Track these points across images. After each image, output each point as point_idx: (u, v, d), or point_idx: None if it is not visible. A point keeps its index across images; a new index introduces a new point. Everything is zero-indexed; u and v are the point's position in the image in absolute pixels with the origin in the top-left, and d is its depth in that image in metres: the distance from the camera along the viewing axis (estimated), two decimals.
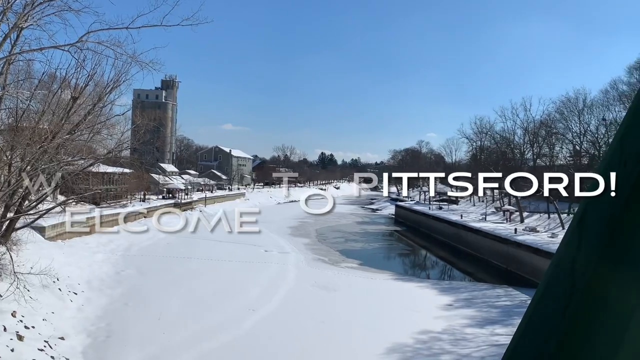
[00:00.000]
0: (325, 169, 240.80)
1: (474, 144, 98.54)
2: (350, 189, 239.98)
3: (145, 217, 66.88)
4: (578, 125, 67.03)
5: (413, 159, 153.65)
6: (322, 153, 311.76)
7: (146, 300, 30.62)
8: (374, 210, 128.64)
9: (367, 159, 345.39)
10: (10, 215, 26.70)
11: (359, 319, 28.66)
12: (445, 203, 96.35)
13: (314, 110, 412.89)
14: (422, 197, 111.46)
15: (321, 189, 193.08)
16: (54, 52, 31.07)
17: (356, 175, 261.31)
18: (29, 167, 24.37)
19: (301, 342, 24.51)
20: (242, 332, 25.50)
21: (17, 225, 28.48)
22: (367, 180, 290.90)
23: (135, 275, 37.22)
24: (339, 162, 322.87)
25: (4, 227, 26.22)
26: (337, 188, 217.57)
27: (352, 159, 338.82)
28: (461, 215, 70.99)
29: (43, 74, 28.58)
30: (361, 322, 27.93)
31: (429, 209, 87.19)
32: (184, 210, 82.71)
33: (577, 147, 67.60)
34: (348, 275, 42.04)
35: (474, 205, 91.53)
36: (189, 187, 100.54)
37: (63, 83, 29.24)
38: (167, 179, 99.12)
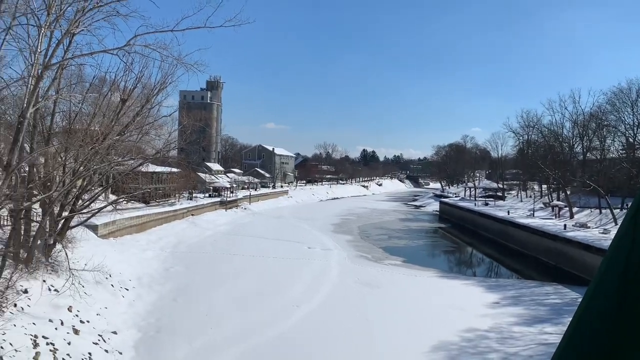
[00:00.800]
0: (367, 166, 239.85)
1: (521, 138, 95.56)
2: (393, 185, 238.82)
3: (192, 215, 68.55)
4: (631, 116, 63.84)
5: (457, 154, 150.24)
6: (363, 150, 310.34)
7: (193, 296, 31.34)
8: (417, 207, 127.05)
9: (409, 155, 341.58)
10: (65, 214, 27.90)
11: (402, 316, 28.38)
12: (492, 199, 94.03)
13: (355, 107, 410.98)
14: (467, 193, 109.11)
15: (363, 186, 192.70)
16: (104, 56, 32.26)
17: (399, 172, 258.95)
18: (82, 168, 25.38)
19: (345, 338, 24.48)
20: (286, 328, 25.71)
21: (72, 223, 29.72)
22: (411, 177, 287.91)
23: (183, 272, 38.16)
24: (381, 158, 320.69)
25: (60, 225, 27.41)
26: (380, 185, 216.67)
27: (395, 155, 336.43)
28: (508, 212, 69.13)
29: (94, 77, 29.78)
30: (405, 320, 27.65)
31: (475, 205, 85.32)
32: (230, 208, 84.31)
33: (630, 140, 64.41)
34: (391, 273, 41.73)
35: (522, 201, 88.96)
36: (234, 185, 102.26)
37: (112, 86, 30.30)
38: (213, 177, 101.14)
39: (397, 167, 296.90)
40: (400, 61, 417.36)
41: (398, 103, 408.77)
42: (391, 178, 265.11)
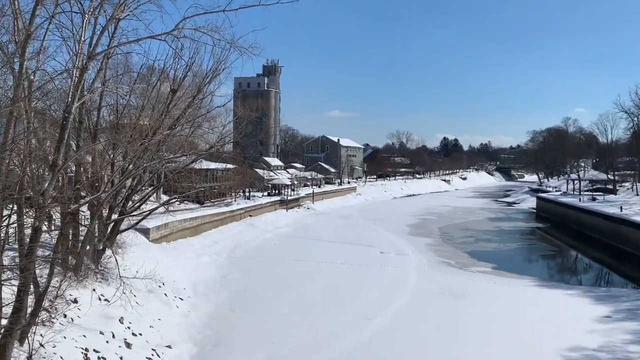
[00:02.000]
0: (449, 157, 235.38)
1: (635, 119, 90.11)
2: (480, 179, 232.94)
3: (250, 216, 70.02)
4: None
5: (557, 141, 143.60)
6: (444, 138, 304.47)
7: (253, 306, 32.00)
8: (509, 203, 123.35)
9: (499, 143, 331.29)
10: (114, 216, 29.23)
11: (493, 331, 27.56)
12: (600, 193, 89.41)
13: (434, 89, 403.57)
14: (570, 186, 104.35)
15: (444, 180, 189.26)
16: (151, 43, 33.51)
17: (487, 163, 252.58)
18: (131, 166, 26.48)
19: (426, 357, 24.07)
20: (357, 343, 25.63)
21: (122, 227, 31.08)
22: (501, 169, 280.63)
23: (241, 279, 39.05)
24: (465, 147, 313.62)
25: (109, 229, 28.74)
26: (464, 179, 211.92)
27: (481, 144, 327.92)
28: (621, 207, 65.39)
29: (141, 66, 30.92)
30: (497, 335, 26.82)
31: (580, 200, 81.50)
32: (291, 207, 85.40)
33: None
34: (479, 281, 40.79)
35: (638, 194, 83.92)
36: (295, 182, 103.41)
37: (161, 75, 31.38)
38: (271, 173, 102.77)
39: (484, 157, 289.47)
40: (488, 32, 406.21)
41: (485, 82, 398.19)
42: (477, 170, 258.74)
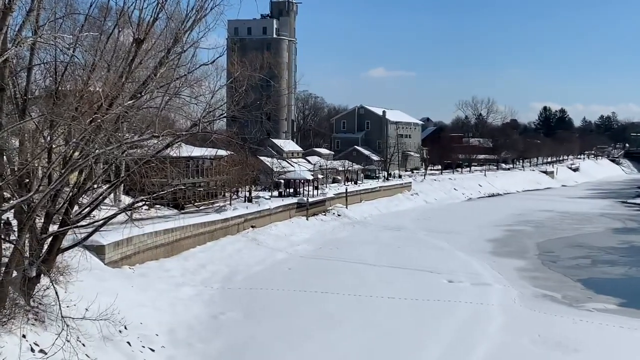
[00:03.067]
0: (552, 137, 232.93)
1: None
2: (599, 169, 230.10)
3: (253, 226, 70.26)
4: None
5: None
6: (544, 109, 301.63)
7: None
8: None
9: (629, 115, 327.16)
10: (53, 228, 29.43)
11: None
12: None
13: (528, 34, 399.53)
14: None
15: (544, 172, 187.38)
16: None
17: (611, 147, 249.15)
18: (76, 153, 26.57)
19: None
20: None
21: (64, 243, 31.28)
22: (632, 154, 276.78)
23: (241, 321, 39.11)
24: (577, 122, 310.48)
25: (46, 246, 28.97)
26: (575, 169, 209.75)
27: (601, 117, 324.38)
28: None
29: (91, 5, 30.94)
30: None
31: None
32: (314, 214, 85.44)
33: None
34: (600, 325, 40.15)
35: None
36: (320, 175, 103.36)
37: (121, 18, 31.38)
38: (284, 163, 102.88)
39: (605, 136, 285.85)
40: None
41: (609, 21, 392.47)
42: (595, 156, 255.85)
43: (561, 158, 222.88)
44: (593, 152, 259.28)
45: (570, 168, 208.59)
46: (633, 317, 42.49)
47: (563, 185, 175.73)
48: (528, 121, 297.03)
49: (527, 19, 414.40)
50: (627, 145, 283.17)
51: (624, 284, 54.45)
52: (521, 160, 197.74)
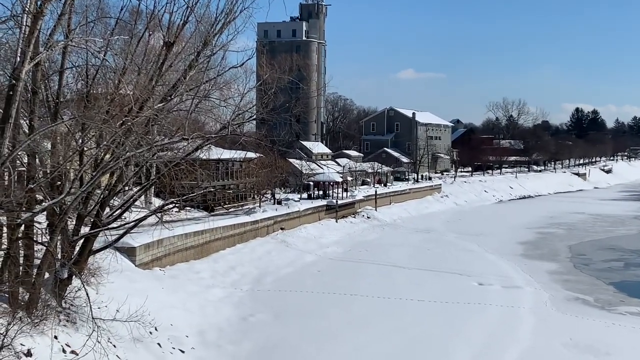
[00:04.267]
0: (584, 138, 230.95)
1: None
2: (633, 171, 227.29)
3: (283, 228, 70.33)
4: None
5: None
6: (576, 110, 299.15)
7: None
8: None
9: None
10: (84, 230, 29.71)
11: None
12: None
13: (560, 33, 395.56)
14: None
15: (576, 174, 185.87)
16: None
17: None
18: (107, 156, 26.79)
19: None
20: None
21: (95, 245, 31.57)
22: None
23: (270, 324, 39.20)
24: (610, 123, 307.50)
25: (77, 248, 29.23)
26: (608, 171, 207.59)
27: (635, 118, 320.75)
28: None
29: (122, 9, 31.18)
30: None
31: None
32: (343, 216, 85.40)
33: None
34: (632, 328, 39.85)
35: None
36: (349, 178, 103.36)
37: (151, 22, 31.59)
38: (314, 165, 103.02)
39: (639, 138, 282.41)
40: None
41: (638, 22, 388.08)
42: (629, 158, 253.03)
43: (593, 160, 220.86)
44: (626, 153, 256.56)
45: (603, 170, 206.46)
46: None
47: (595, 187, 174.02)
48: (560, 122, 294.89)
49: (558, 17, 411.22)
50: None
51: None
52: (552, 162, 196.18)
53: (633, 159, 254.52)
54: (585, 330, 39.16)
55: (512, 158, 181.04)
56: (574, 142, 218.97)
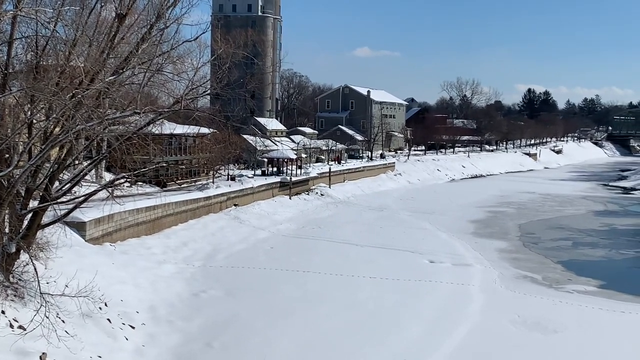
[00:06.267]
0: (535, 119, 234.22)
1: None
2: (582, 152, 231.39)
3: (236, 205, 70.24)
4: None
5: None
6: (529, 90, 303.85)
7: (240, 341, 32.08)
8: (627, 190, 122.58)
9: (612, 98, 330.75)
10: (33, 204, 29.29)
11: None
12: None
13: (513, 14, 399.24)
14: None
15: (527, 154, 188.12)
16: None
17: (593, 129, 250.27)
18: (57, 129, 26.37)
19: None
20: None
21: (44, 219, 31.15)
22: (614, 137, 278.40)
23: (222, 300, 39.23)
24: (561, 105, 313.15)
25: (26, 222, 28.83)
26: (558, 152, 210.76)
27: (585, 100, 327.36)
28: None
29: None
30: None
31: None
32: (297, 193, 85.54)
33: None
34: (580, 306, 40.62)
35: None
36: (304, 155, 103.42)
37: None
38: (268, 142, 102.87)
39: (588, 119, 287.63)
40: None
41: (589, 6, 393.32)
42: (578, 139, 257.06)
43: (544, 140, 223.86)
44: (576, 134, 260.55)
45: (553, 150, 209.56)
46: (612, 299, 42.89)
47: (546, 168, 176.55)
48: (512, 103, 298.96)
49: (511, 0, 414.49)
50: (610, 128, 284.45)
51: (604, 266, 54.91)
52: (505, 142, 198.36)
53: (583, 140, 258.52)
54: (533, 307, 39.81)
55: (465, 137, 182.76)
56: (525, 122, 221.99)
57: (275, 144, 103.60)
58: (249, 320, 35.16)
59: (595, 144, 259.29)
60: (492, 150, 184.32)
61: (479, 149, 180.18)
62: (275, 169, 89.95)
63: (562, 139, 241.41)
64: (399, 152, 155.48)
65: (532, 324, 36.30)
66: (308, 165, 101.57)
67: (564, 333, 34.99)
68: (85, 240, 43.38)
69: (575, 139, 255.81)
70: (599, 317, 38.60)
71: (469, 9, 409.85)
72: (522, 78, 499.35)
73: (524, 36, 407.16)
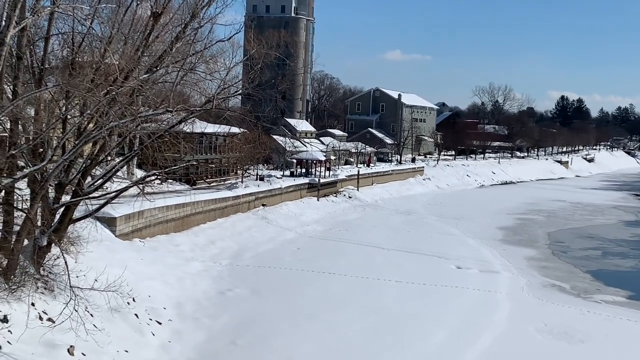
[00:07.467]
0: (568, 126, 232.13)
1: None
2: (615, 161, 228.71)
3: (264, 205, 70.47)
4: None
5: None
6: (562, 98, 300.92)
7: (264, 338, 32.24)
8: None
9: None
10: (65, 198, 29.66)
11: None
12: None
13: (547, 24, 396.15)
14: None
15: (559, 162, 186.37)
16: None
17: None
18: (91, 125, 26.68)
19: None
20: None
21: (76, 214, 31.52)
22: None
23: (248, 298, 39.43)
24: (594, 113, 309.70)
25: (58, 216, 29.20)
26: (590, 160, 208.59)
27: (619, 108, 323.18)
28: None
29: None
30: None
31: None
32: (325, 195, 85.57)
33: None
34: (608, 316, 40.33)
35: None
36: (333, 157, 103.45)
37: None
38: (297, 143, 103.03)
39: (622, 128, 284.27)
40: None
41: (625, 13, 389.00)
42: (611, 148, 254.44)
43: (576, 148, 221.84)
44: (609, 143, 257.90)
45: (585, 159, 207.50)
46: None
47: (577, 176, 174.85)
48: (545, 110, 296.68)
49: (545, 5, 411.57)
50: None
51: (634, 277, 54.55)
52: (536, 149, 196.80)
53: (615, 149, 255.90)
54: (560, 316, 39.56)
55: (496, 143, 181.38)
56: (558, 129, 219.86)
57: (305, 145, 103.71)
58: (274, 320, 35.28)
59: (628, 153, 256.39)
60: (523, 157, 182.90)
61: (509, 155, 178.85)
62: (304, 170, 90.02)
63: (594, 147, 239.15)
64: (428, 156, 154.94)
65: (559, 333, 36.05)
66: (337, 167, 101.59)
67: (590, 343, 34.72)
68: (116, 236, 43.82)
69: (608, 147, 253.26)
70: (627, 328, 38.35)
71: (503, 13, 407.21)
72: (556, 85, 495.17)
73: (559, 42, 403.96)
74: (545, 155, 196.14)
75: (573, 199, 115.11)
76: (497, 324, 37.40)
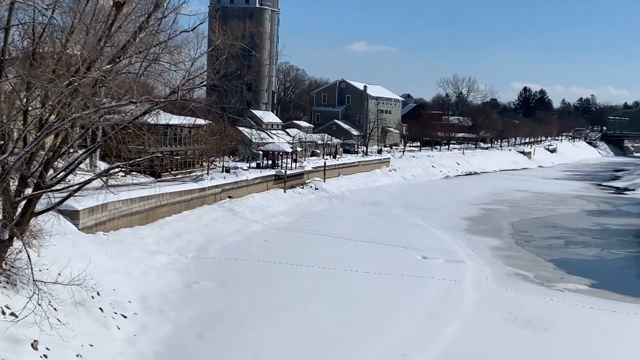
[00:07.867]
0: (531, 117, 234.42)
1: None
2: (576, 151, 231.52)
3: (230, 197, 70.21)
4: None
5: None
6: (524, 89, 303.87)
7: (232, 333, 32.10)
8: (619, 189, 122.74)
9: (608, 98, 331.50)
10: (27, 191, 29.21)
11: None
12: None
13: (509, 16, 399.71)
14: None
15: (522, 152, 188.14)
16: None
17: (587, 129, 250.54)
18: (53, 116, 26.25)
19: None
20: None
21: (38, 207, 31.09)
22: (609, 137, 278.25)
23: (214, 290, 39.26)
24: (556, 104, 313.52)
25: (19, 210, 28.75)
26: (552, 150, 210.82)
27: (580, 99, 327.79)
28: None
29: None
30: None
31: None
32: (291, 187, 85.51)
33: None
34: (570, 304, 40.76)
35: None
36: (299, 149, 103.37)
37: None
38: (264, 135, 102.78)
39: (583, 119, 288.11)
40: None
41: (586, 6, 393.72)
42: (573, 139, 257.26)
43: (539, 139, 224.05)
44: (571, 134, 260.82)
45: (548, 149, 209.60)
46: (603, 298, 43.00)
47: (540, 166, 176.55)
48: (508, 101, 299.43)
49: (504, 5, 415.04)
50: (604, 128, 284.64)
51: (596, 265, 55.12)
52: (499, 140, 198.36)
53: (577, 139, 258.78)
54: (524, 305, 39.97)
55: (460, 134, 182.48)
56: (520, 120, 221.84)
57: (271, 137, 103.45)
58: (241, 313, 35.15)
59: (590, 143, 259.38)
60: (486, 148, 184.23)
61: (473, 146, 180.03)
62: (270, 162, 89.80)
63: (556, 138, 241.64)
64: (394, 147, 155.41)
65: (523, 321, 36.37)
66: (303, 159, 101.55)
67: (554, 331, 35.06)
68: (79, 229, 43.37)
69: (570, 138, 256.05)
70: (590, 315, 38.73)
71: (466, 6, 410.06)
72: (518, 76, 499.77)
73: (521, 34, 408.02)
74: (508, 146, 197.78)
75: (536, 189, 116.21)
76: (464, 312, 37.65)
